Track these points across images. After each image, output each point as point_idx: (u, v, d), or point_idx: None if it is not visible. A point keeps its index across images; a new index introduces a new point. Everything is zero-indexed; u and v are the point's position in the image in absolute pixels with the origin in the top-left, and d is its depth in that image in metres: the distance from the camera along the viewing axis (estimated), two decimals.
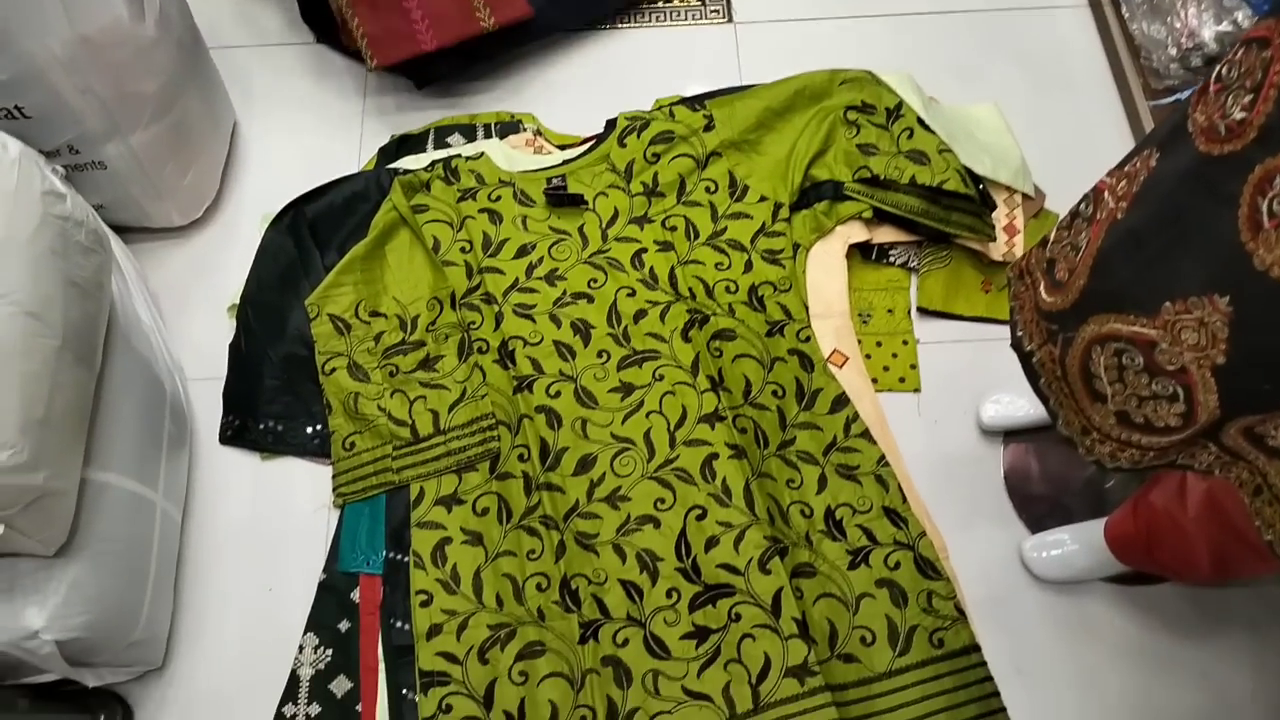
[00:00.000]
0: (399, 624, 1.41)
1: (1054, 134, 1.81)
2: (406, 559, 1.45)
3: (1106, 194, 0.95)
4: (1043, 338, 1.03)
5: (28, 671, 1.26)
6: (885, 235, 1.67)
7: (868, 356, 1.60)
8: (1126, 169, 0.93)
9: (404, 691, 1.37)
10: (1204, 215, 0.80)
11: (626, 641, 1.36)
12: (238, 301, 1.66)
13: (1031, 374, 1.08)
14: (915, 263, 1.67)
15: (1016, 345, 1.09)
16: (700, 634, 1.36)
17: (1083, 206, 1.00)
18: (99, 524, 1.29)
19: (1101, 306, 0.93)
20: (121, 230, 1.70)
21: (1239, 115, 0.76)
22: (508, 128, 1.83)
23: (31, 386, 1.13)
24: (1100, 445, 1.01)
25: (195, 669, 1.46)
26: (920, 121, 1.66)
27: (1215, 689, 1.38)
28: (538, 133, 1.81)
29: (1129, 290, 0.89)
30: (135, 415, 1.40)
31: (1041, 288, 1.04)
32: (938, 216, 1.62)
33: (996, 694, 1.34)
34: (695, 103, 1.76)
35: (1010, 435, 1.55)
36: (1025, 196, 1.69)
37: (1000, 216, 1.65)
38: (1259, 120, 0.74)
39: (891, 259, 1.68)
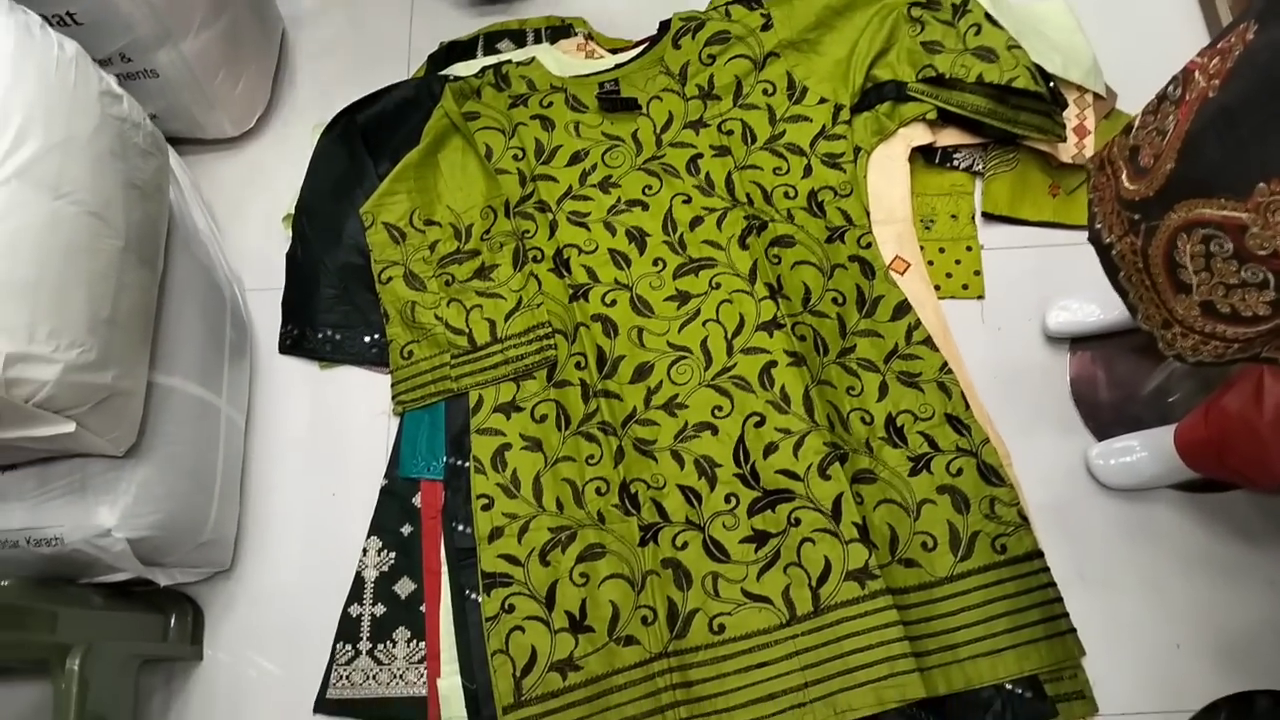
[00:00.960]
0: (461, 527, 1.42)
1: (1125, 31, 1.73)
2: (467, 464, 1.46)
3: (1197, 73, 0.90)
4: (1124, 228, 1.00)
5: (101, 570, 1.29)
6: (949, 138, 1.62)
7: (930, 263, 1.56)
8: (1219, 45, 0.88)
9: (467, 592, 1.39)
10: None
11: (686, 544, 1.37)
12: (293, 211, 1.66)
13: (1110, 267, 1.04)
14: (980, 166, 1.62)
15: (1095, 238, 1.05)
16: (759, 538, 1.36)
17: (1170, 89, 0.95)
18: (166, 426, 1.31)
19: (1189, 191, 0.89)
20: (175, 141, 1.70)
21: None
22: (558, 32, 1.79)
23: (98, 286, 1.14)
24: (1182, 339, 0.98)
25: (262, 571, 1.50)
26: (988, 17, 1.60)
27: None
28: (589, 36, 1.77)
29: (1219, 172, 0.85)
30: (198, 321, 1.41)
31: (1124, 176, 1.00)
32: (1005, 116, 1.56)
33: (1059, 599, 1.32)
34: (753, 1, 1.71)
35: (1077, 342, 1.51)
36: (1096, 96, 1.62)
37: (1070, 117, 1.59)
38: None
39: (955, 163, 1.62)
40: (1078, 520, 1.41)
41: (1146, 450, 1.39)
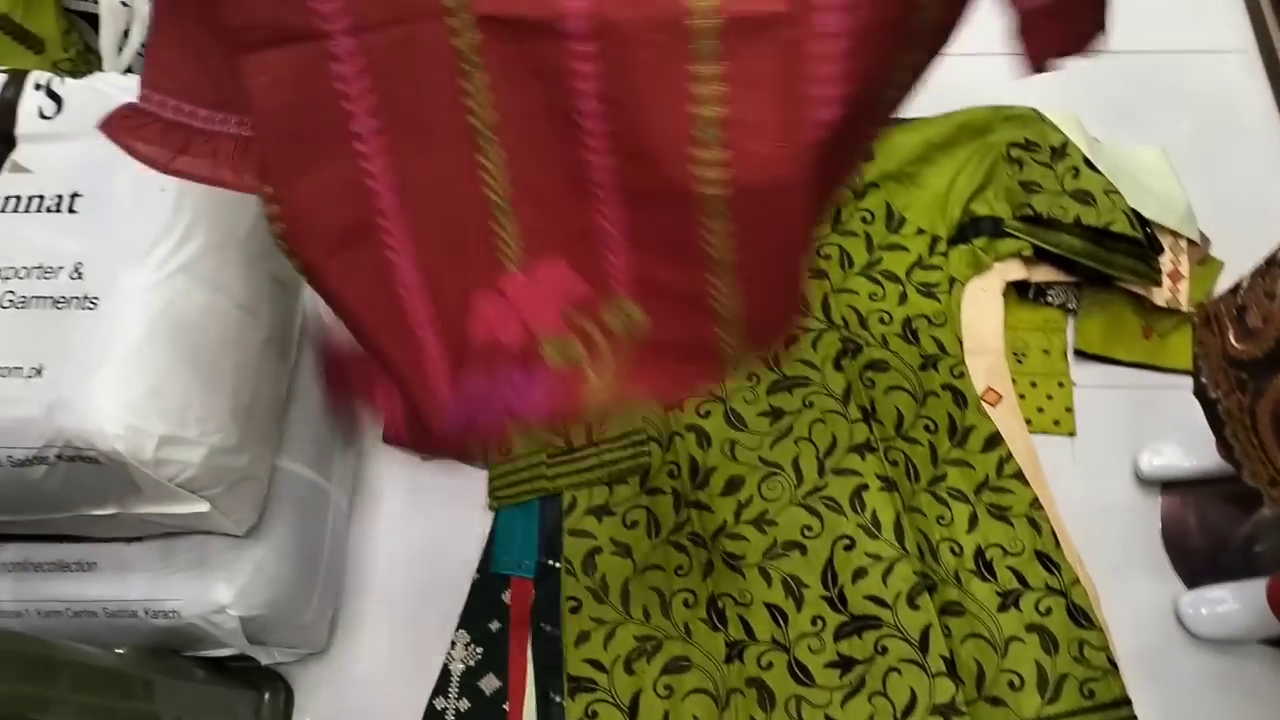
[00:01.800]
0: (548, 628, 1.45)
1: (1219, 181, 1.77)
2: (558, 565, 1.49)
3: None
4: (1230, 385, 1.02)
5: (209, 645, 1.34)
6: (1043, 274, 1.66)
7: (1021, 397, 1.59)
8: None
9: (551, 695, 1.41)
10: None
11: (771, 664, 1.38)
12: None
13: (1216, 422, 1.06)
14: (1074, 304, 1.65)
15: (1200, 392, 1.08)
16: (845, 664, 1.37)
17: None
18: (282, 509, 1.37)
19: None
20: None
21: None
22: None
23: (241, 375, 1.21)
24: None
25: (352, 656, 1.53)
26: (1086, 161, 1.65)
27: None
28: None
29: None
30: (318, 409, 1.48)
31: (1231, 335, 1.03)
32: (1101, 258, 1.60)
33: None
34: None
35: (1168, 486, 1.52)
36: (1190, 242, 1.66)
37: (1165, 262, 1.63)
38: None
39: (1049, 299, 1.66)
40: (1166, 668, 1.40)
41: (1239, 602, 1.38)
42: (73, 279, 1.13)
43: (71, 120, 1.22)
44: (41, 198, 1.18)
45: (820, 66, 0.68)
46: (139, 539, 1.30)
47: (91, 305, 1.12)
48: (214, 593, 1.27)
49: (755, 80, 0.70)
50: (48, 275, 1.13)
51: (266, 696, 1.46)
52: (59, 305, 1.12)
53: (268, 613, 1.32)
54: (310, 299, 1.53)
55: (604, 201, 0.83)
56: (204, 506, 1.17)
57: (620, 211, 0.83)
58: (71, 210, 1.18)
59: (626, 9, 0.70)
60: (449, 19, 0.74)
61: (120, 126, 0.84)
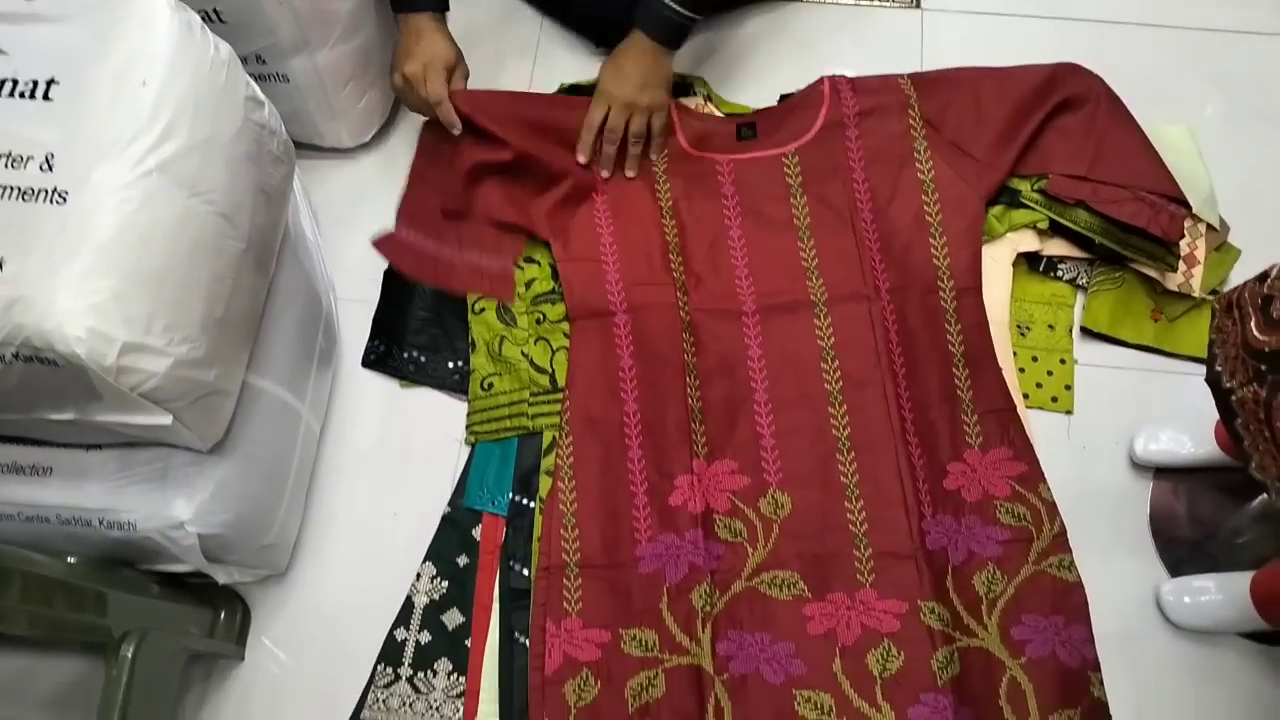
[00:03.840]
0: (518, 567, 1.42)
1: (1247, 167, 1.71)
2: (531, 504, 1.46)
3: None
4: (1247, 376, 0.98)
5: (165, 560, 1.30)
6: (1057, 248, 1.61)
7: (1021, 370, 1.55)
8: None
9: (515, 635, 1.38)
10: None
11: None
12: None
13: (1228, 411, 1.02)
14: (1085, 280, 1.60)
15: (1213, 380, 1.04)
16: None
17: None
18: (250, 427, 1.33)
19: None
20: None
21: None
22: (677, 88, 1.81)
23: (216, 286, 1.16)
24: None
25: (314, 580, 1.50)
26: None
27: None
28: (708, 97, 1.78)
29: None
30: (294, 327, 1.43)
31: (1253, 324, 0.98)
32: (1116, 238, 1.55)
33: None
34: None
35: (1161, 472, 1.49)
36: (1209, 227, 1.61)
37: (1181, 245, 1.58)
38: None
39: (1060, 273, 1.61)
40: (1144, 653, 1.38)
41: (1221, 593, 1.36)
42: (43, 171, 1.07)
43: (53, 1, 1.15)
44: (15, 82, 1.11)
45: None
46: (98, 446, 1.25)
47: (61, 200, 1.06)
48: (172, 508, 1.23)
49: (850, 327, 1.50)
50: (16, 165, 1.07)
51: (223, 615, 1.43)
52: (26, 198, 1.05)
53: (227, 532, 1.28)
54: (291, 210, 1.47)
55: (762, 415, 1.46)
56: (166, 419, 1.12)
57: (772, 419, 1.46)
58: (46, 98, 1.11)
59: (776, 299, 1.53)
60: (680, 306, 1.52)
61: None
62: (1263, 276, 1.00)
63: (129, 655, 1.18)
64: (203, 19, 1.43)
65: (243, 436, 1.31)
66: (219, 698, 1.43)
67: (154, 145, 1.09)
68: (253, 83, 1.26)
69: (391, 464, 1.56)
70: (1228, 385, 1.02)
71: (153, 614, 1.31)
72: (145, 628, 1.24)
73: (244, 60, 1.52)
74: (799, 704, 1.28)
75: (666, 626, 1.34)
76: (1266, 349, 0.96)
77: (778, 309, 1.52)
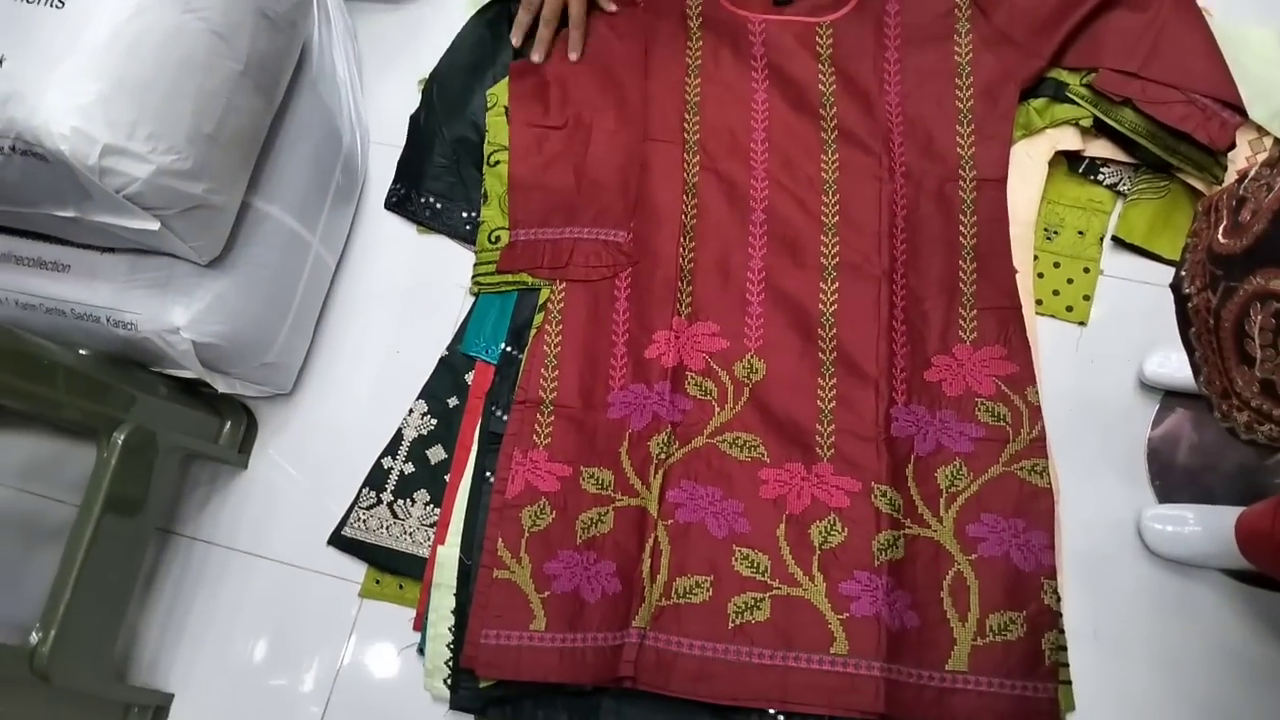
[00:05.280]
0: (499, 413, 1.47)
1: None
2: (520, 355, 1.49)
3: None
4: (1204, 281, 0.92)
5: (169, 363, 1.40)
6: (1100, 149, 1.51)
7: (1040, 275, 1.48)
8: None
9: (487, 474, 1.44)
10: None
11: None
12: (427, 77, 1.70)
13: (1183, 320, 0.96)
14: (1126, 186, 1.50)
15: (1175, 285, 0.98)
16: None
17: None
18: (253, 249, 1.39)
19: (1274, 259, 0.81)
20: None
21: None
22: None
23: (206, 102, 1.20)
24: (1237, 413, 0.90)
25: (317, 404, 1.59)
26: None
27: None
28: None
29: None
30: (307, 159, 1.47)
31: (1221, 228, 0.91)
32: (1164, 143, 1.44)
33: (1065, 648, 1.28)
34: None
35: (1170, 396, 1.41)
36: (1277, 141, 1.47)
37: (1239, 158, 1.45)
38: None
39: (1101, 177, 1.51)
40: (1110, 576, 1.34)
41: (1202, 526, 1.29)
42: None
43: None
44: None
45: None
46: (111, 250, 1.34)
47: (60, 4, 1.12)
48: (170, 313, 1.31)
49: (856, 205, 1.48)
50: None
51: (228, 424, 1.54)
52: (27, 0, 1.12)
53: (224, 343, 1.36)
54: (318, 45, 1.51)
55: (753, 281, 1.45)
56: (153, 224, 1.19)
57: (763, 287, 1.45)
58: None
59: (786, 173, 1.51)
60: (686, 167, 1.53)
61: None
62: (1241, 178, 0.93)
63: (119, 441, 1.29)
64: None
65: (245, 256, 1.38)
66: (220, 499, 1.55)
67: None
68: None
69: (401, 304, 1.62)
70: (1186, 291, 0.95)
71: (158, 412, 1.41)
72: (144, 423, 1.35)
73: None
74: (735, 560, 1.31)
75: (623, 469, 1.37)
76: (1225, 253, 0.89)
77: (786, 181, 1.50)
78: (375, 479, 1.50)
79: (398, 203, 1.66)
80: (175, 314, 1.32)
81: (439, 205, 1.63)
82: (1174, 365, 1.39)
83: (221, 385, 1.43)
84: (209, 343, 1.34)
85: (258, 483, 1.56)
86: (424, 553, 1.44)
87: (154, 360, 1.40)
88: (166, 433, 1.39)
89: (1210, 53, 1.44)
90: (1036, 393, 1.37)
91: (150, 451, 1.35)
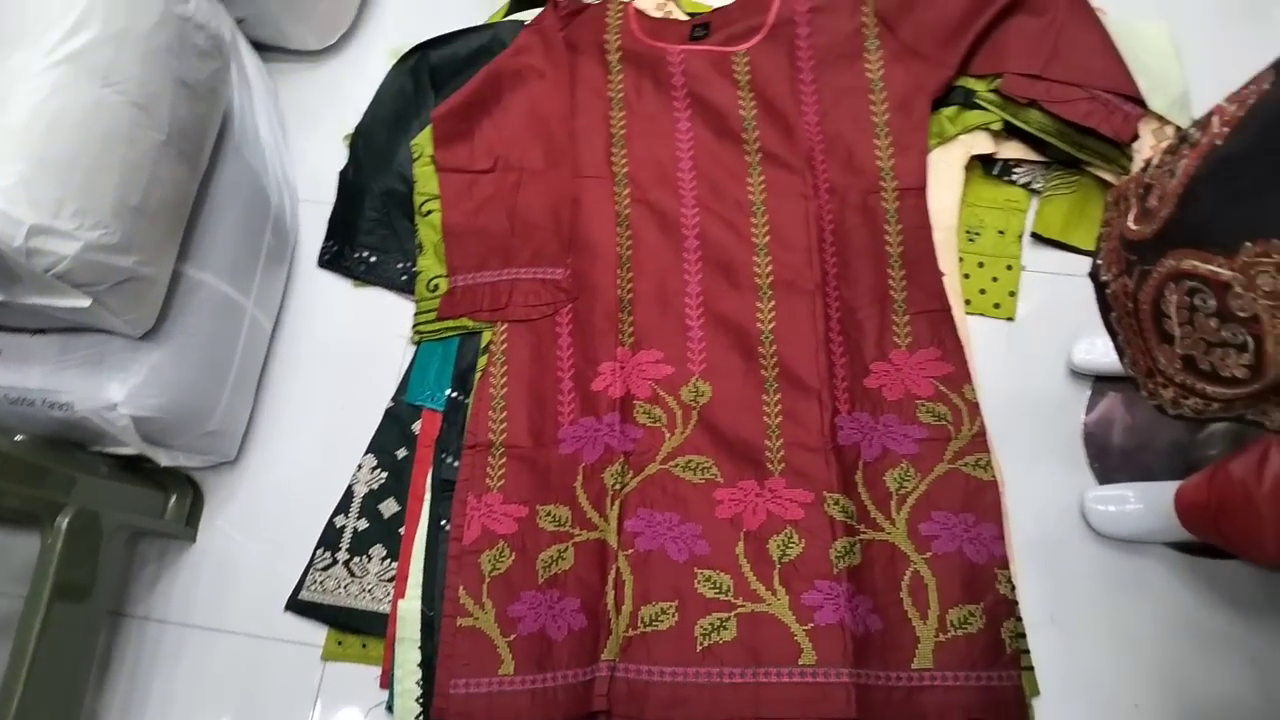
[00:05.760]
0: (449, 460, 1.46)
1: (1235, 67, 1.60)
2: (467, 400, 1.49)
3: (1215, 118, 0.86)
4: (1120, 268, 0.96)
5: (109, 442, 1.37)
6: (1012, 150, 1.57)
7: (966, 276, 1.52)
8: (1241, 93, 0.84)
9: (442, 522, 1.43)
10: None
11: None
12: (353, 131, 1.71)
13: (1104, 306, 1.00)
14: (1040, 184, 1.56)
15: (1094, 273, 1.02)
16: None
17: (1192, 130, 0.91)
18: (187, 317, 1.38)
19: (1182, 240, 0.85)
20: (260, 48, 1.76)
21: None
22: None
23: (130, 174, 1.20)
24: (1163, 389, 0.94)
25: (264, 468, 1.57)
26: None
27: (1262, 676, 1.29)
28: None
29: (1212, 225, 0.81)
30: (236, 223, 1.47)
31: (1131, 215, 0.96)
32: (1072, 139, 1.50)
33: (1024, 635, 1.31)
34: None
35: (1101, 381, 1.46)
36: (1178, 129, 1.54)
37: (1143, 147, 1.52)
38: None
39: (1014, 177, 1.57)
40: (1061, 561, 1.37)
41: (1143, 503, 1.34)
42: None
43: None
44: None
45: None
46: (43, 331, 1.32)
47: None
48: (105, 390, 1.29)
49: (786, 225, 1.51)
50: None
51: (174, 498, 1.51)
52: None
53: (163, 415, 1.34)
54: (239, 109, 1.50)
55: (691, 306, 1.47)
56: (84, 301, 1.18)
57: (701, 311, 1.47)
58: None
59: (714, 199, 1.54)
60: (618, 200, 1.56)
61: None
62: (1147, 165, 0.97)
63: (63, 526, 1.26)
64: None
65: (179, 326, 1.37)
66: (171, 575, 1.52)
67: (67, 35, 1.13)
68: None
69: (342, 360, 1.62)
70: (1104, 278, 0.99)
71: (100, 492, 1.38)
72: (87, 505, 1.32)
73: None
74: (698, 582, 1.32)
75: (579, 504, 1.38)
76: (1137, 239, 0.93)
77: (715, 206, 1.53)
78: (329, 539, 1.48)
79: (331, 259, 1.66)
80: (112, 390, 1.30)
81: (373, 259, 1.63)
82: (1100, 351, 1.44)
83: (164, 459, 1.41)
84: (148, 416, 1.32)
85: (208, 554, 1.53)
86: (385, 609, 1.42)
87: (94, 439, 1.37)
88: (111, 512, 1.36)
89: (1107, 50, 1.51)
90: (973, 390, 1.41)
91: (95, 534, 1.32)
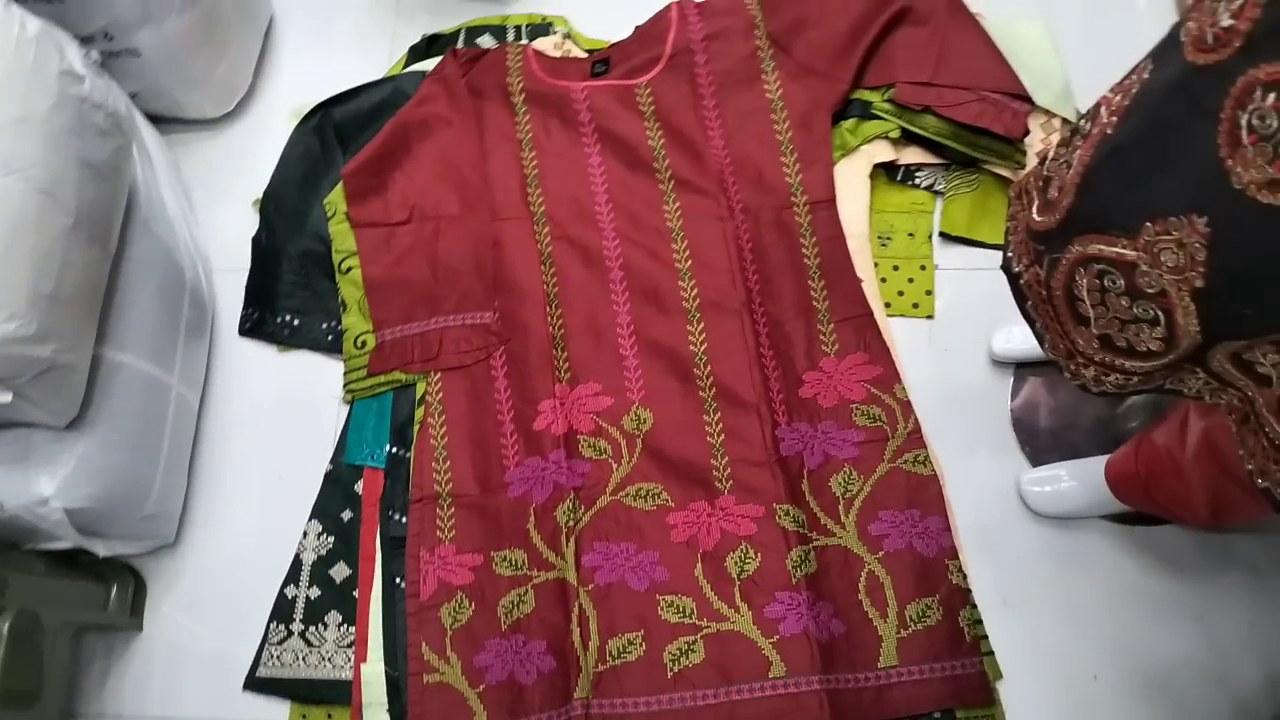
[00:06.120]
0: (396, 516, 1.45)
1: (1107, 57, 1.69)
2: (408, 454, 1.48)
3: (1103, 109, 0.91)
4: (1030, 258, 1.00)
5: (43, 538, 1.33)
6: (912, 156, 1.63)
7: (883, 280, 1.57)
8: (1124, 82, 0.89)
9: (397, 580, 1.41)
10: (1185, 130, 0.76)
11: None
12: (262, 196, 1.69)
13: (1019, 296, 1.05)
14: (941, 186, 1.62)
15: (1005, 266, 1.06)
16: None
17: (1083, 122, 0.96)
18: (111, 401, 1.35)
19: (1086, 227, 0.90)
20: (157, 120, 1.74)
21: (1226, 22, 0.71)
22: (538, 30, 1.81)
23: (42, 262, 1.17)
24: (1085, 369, 0.99)
25: (206, 547, 1.53)
26: None
27: (1208, 633, 1.35)
28: (567, 35, 1.79)
29: (1112, 209, 0.86)
30: (153, 300, 1.44)
31: (1034, 207, 1.00)
32: (967, 140, 1.57)
33: (980, 621, 1.34)
34: None
35: (1022, 367, 1.52)
36: (1065, 121, 1.62)
37: (1035, 141, 1.59)
38: (1245, 27, 0.69)
39: (917, 181, 1.63)
40: (1006, 544, 1.42)
41: (1076, 479, 1.39)
42: None
43: None
44: None
45: None
46: None
47: None
48: (35, 485, 1.25)
49: (705, 247, 1.54)
50: None
51: (115, 589, 1.46)
52: None
53: (97, 505, 1.30)
54: (143, 185, 1.48)
55: (624, 336, 1.49)
56: (6, 396, 1.14)
57: (634, 340, 1.49)
58: None
59: (633, 229, 1.57)
60: (539, 238, 1.57)
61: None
62: (1043, 159, 1.02)
63: (3, 631, 1.22)
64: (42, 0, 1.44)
65: (104, 410, 1.33)
66: (121, 668, 1.47)
67: None
68: (71, 57, 1.26)
69: (274, 427, 1.59)
70: (1016, 270, 1.04)
71: (38, 591, 1.33)
72: (27, 605, 1.27)
73: (91, 38, 1.54)
74: (662, 609, 1.32)
75: (534, 545, 1.38)
76: (1043, 229, 0.97)
77: (635, 236, 1.56)
78: (281, 611, 1.45)
79: (253, 327, 1.63)
80: (41, 485, 1.26)
81: (296, 322, 1.62)
82: (1018, 340, 1.50)
83: (102, 549, 1.37)
84: (81, 507, 1.29)
85: (157, 643, 1.48)
86: (347, 675, 1.40)
87: (27, 538, 1.33)
88: (52, 611, 1.31)
89: (991, 53, 1.58)
90: (904, 389, 1.45)
91: (37, 634, 1.27)
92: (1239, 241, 0.74)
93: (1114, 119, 0.87)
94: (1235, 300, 0.78)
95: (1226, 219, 0.73)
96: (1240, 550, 1.39)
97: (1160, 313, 0.84)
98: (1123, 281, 0.86)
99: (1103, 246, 0.87)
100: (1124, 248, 0.84)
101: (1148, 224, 0.81)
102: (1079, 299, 0.93)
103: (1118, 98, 0.89)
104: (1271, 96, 0.67)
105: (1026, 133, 1.56)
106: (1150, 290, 0.83)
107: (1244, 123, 0.70)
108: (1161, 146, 0.79)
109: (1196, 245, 0.76)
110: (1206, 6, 0.75)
